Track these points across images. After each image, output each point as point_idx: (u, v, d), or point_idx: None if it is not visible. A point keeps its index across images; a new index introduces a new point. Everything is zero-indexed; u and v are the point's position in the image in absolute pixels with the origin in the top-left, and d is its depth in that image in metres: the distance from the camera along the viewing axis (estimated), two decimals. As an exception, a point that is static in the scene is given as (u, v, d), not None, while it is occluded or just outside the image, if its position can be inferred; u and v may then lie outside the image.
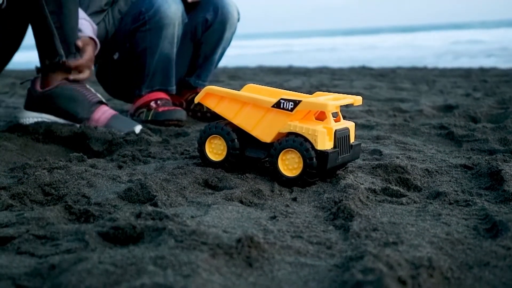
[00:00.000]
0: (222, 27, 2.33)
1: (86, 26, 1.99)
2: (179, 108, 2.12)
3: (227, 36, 2.37)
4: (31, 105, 1.93)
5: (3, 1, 1.70)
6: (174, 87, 2.24)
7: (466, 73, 5.04)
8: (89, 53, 1.94)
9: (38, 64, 1.93)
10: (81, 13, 1.98)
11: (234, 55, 10.49)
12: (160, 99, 2.16)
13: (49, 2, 1.78)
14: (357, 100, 1.32)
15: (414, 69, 5.91)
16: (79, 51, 1.91)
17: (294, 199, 1.18)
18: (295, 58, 10.05)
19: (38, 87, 1.92)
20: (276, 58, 10.15)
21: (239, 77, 4.99)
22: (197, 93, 2.34)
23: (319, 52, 12.91)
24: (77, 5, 1.89)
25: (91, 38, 1.98)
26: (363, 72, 5.65)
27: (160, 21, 2.10)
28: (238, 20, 2.39)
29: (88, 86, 1.97)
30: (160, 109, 2.11)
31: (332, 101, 1.26)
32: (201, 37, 2.34)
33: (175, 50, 2.19)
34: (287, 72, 5.92)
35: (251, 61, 8.38)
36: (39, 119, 1.90)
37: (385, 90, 3.75)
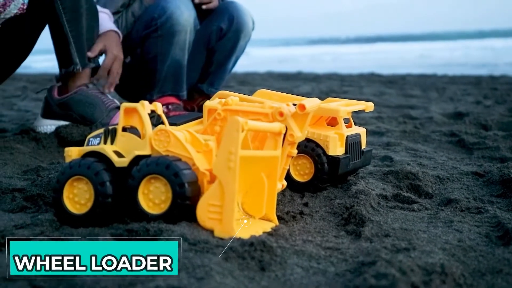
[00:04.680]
0: (236, 36, 2.33)
1: (104, 18, 1.99)
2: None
3: (241, 45, 2.37)
4: (48, 113, 1.94)
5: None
6: (185, 93, 2.25)
7: (476, 81, 5.03)
8: (110, 56, 1.95)
9: (57, 73, 1.93)
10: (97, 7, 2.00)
11: (242, 62, 10.48)
12: (171, 103, 2.18)
13: (67, 11, 1.80)
14: (369, 106, 1.33)
15: (423, 76, 5.90)
16: (94, 60, 1.92)
17: (306, 204, 1.18)
18: (303, 65, 10.06)
19: (55, 94, 1.92)
20: (285, 64, 10.17)
21: (248, 82, 5.00)
22: (208, 98, 2.35)
23: (328, 58, 12.92)
24: (96, 16, 1.90)
25: (113, 30, 1.99)
26: (372, 78, 5.65)
27: (172, 27, 2.11)
28: (253, 29, 2.39)
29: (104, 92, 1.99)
30: (171, 114, 2.12)
31: (343, 107, 1.26)
32: (214, 45, 2.35)
33: (186, 56, 2.20)
34: (296, 78, 5.93)
35: (260, 67, 8.40)
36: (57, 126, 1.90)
37: (395, 97, 3.75)
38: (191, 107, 2.39)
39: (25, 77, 5.99)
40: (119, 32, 2.04)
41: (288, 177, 1.25)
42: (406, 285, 0.71)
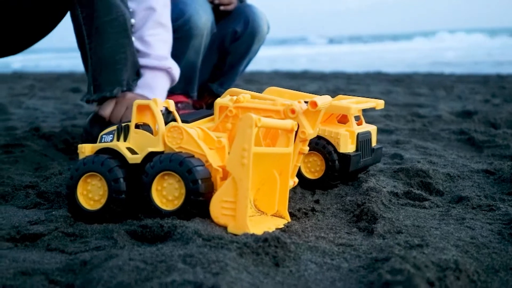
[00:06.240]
0: (251, 40, 2.33)
1: (161, 42, 1.60)
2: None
3: (255, 48, 2.37)
4: None
5: None
6: (195, 93, 2.25)
7: (483, 79, 5.01)
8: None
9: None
10: (162, 16, 1.58)
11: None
12: (181, 102, 2.18)
13: (87, 20, 1.44)
14: (380, 104, 1.33)
15: (430, 75, 5.88)
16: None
17: (317, 201, 1.18)
18: (309, 63, 10.05)
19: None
20: (290, 63, 10.16)
21: (256, 81, 5.00)
22: (217, 97, 2.36)
23: (334, 57, 12.89)
24: (125, 30, 1.47)
25: (165, 69, 1.58)
26: (379, 77, 5.64)
27: (189, 31, 2.10)
28: (267, 33, 2.39)
29: None
30: (180, 112, 2.13)
31: (354, 104, 1.26)
32: (228, 46, 2.35)
33: (200, 59, 2.19)
34: (302, 76, 5.93)
35: (266, 66, 8.40)
36: None
37: (402, 95, 3.74)
38: (199, 106, 2.40)
39: (32, 76, 6.02)
40: (174, 71, 1.70)
41: (299, 174, 1.26)
42: (421, 280, 0.71)
